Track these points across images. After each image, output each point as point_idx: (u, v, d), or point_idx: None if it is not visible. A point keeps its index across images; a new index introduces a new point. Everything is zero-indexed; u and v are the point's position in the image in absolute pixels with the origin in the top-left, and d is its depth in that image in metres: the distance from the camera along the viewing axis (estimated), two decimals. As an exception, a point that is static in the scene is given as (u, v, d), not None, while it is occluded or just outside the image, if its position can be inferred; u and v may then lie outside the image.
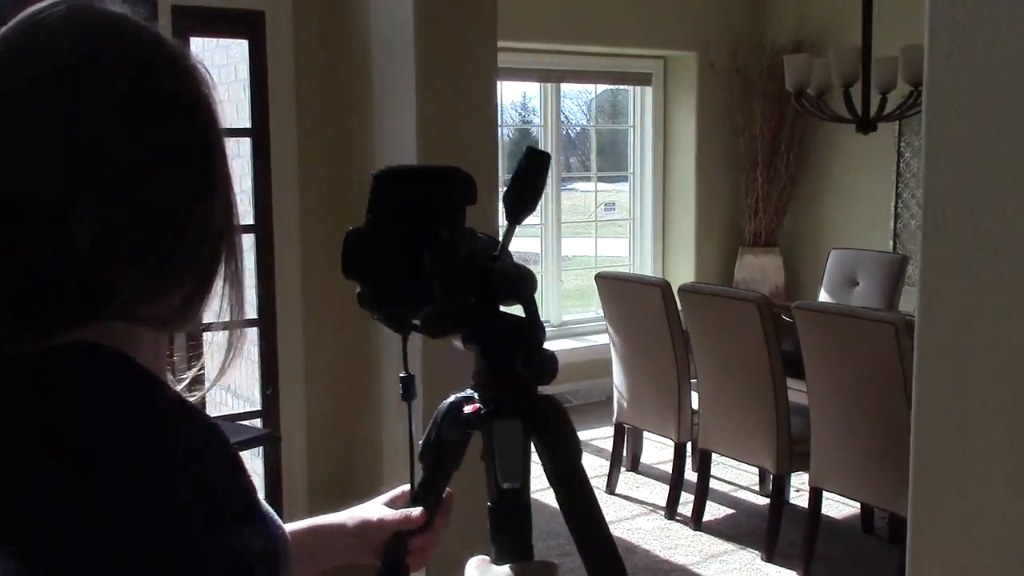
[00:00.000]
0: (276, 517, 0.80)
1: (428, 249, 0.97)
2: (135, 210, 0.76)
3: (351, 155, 3.80)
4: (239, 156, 4.56)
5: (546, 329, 1.02)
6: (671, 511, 4.49)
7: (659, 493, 4.65)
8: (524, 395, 0.99)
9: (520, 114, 8.86)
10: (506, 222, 1.04)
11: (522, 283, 1.01)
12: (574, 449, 1.05)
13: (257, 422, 3.72)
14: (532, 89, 6.67)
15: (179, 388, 0.92)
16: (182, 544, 0.67)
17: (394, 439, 3.66)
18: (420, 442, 1.04)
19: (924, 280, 1.95)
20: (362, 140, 3.72)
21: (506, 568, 0.95)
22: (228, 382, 4.69)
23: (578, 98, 12.37)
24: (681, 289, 4.27)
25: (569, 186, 9.18)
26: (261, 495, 0.76)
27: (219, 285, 0.85)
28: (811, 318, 3.70)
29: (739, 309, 3.95)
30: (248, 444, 2.89)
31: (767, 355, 3.90)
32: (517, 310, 1.02)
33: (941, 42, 1.86)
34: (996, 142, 1.79)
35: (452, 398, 1.04)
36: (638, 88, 6.78)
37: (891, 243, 6.13)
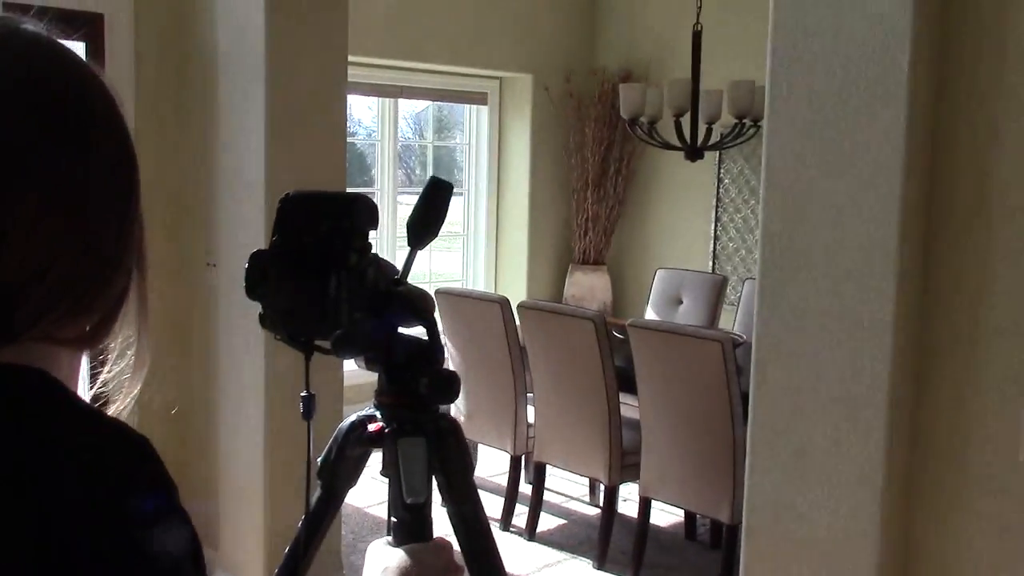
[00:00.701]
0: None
1: (336, 273, 1.00)
2: (71, 230, 0.77)
3: (193, 164, 3.73)
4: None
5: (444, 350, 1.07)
6: (506, 523, 4.58)
7: (495, 505, 4.74)
8: (427, 414, 1.04)
9: (356, 128, 8.83)
10: (408, 247, 1.09)
11: (424, 306, 1.06)
12: (468, 466, 1.10)
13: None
14: (370, 104, 6.67)
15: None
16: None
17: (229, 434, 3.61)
18: (319, 460, 1.07)
19: (761, 295, 2.11)
20: (208, 148, 3.66)
21: (400, 550, 0.99)
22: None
23: (404, 109, 12.50)
24: (520, 306, 4.38)
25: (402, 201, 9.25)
26: None
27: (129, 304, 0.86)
28: (643, 335, 3.88)
29: (576, 326, 4.09)
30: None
31: (602, 371, 4.05)
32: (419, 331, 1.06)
33: (779, 82, 2.03)
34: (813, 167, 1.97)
35: (353, 417, 1.07)
36: (473, 107, 6.89)
37: (711, 263, 6.47)
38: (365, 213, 1.06)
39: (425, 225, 1.07)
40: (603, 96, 6.50)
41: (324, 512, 1.09)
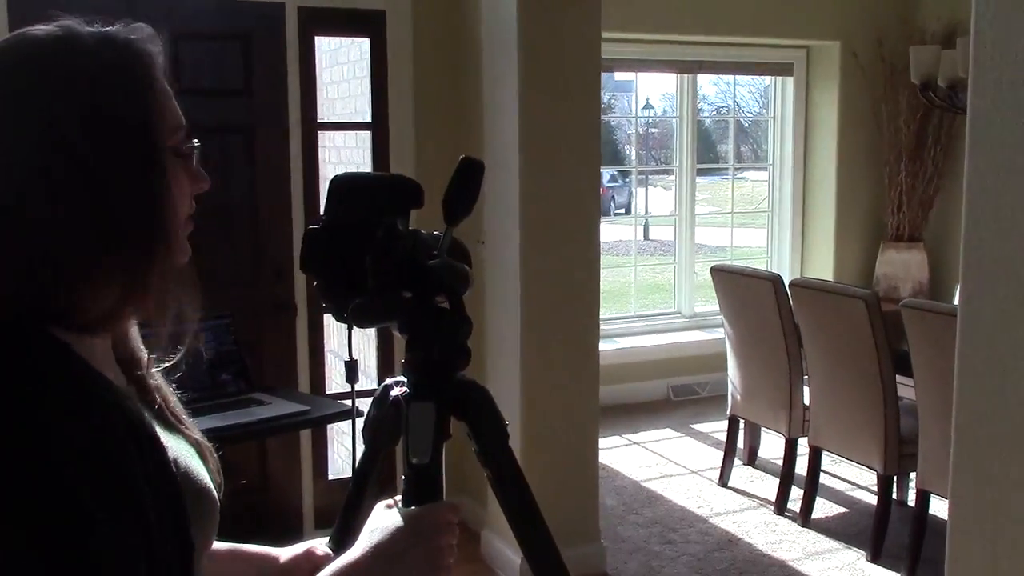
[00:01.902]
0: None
1: (365, 249, 1.10)
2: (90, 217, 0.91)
3: (463, 147, 3.96)
4: (359, 148, 4.80)
5: (472, 322, 1.12)
6: (780, 506, 4.46)
7: (772, 488, 4.63)
8: (442, 380, 1.11)
9: (669, 105, 8.87)
10: (445, 224, 1.16)
11: (452, 279, 1.13)
12: (499, 430, 1.15)
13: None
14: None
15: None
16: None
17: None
18: (363, 421, 1.18)
19: (966, 275, 1.94)
20: (474, 134, 3.88)
21: (396, 511, 1.06)
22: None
23: (751, 85, 12.27)
24: (792, 284, 4.24)
25: (740, 175, 9.14)
26: None
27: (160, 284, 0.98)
28: (918, 317, 3.61)
29: (848, 306, 3.89)
30: (330, 419, 3.11)
31: (876, 353, 3.83)
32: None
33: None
34: None
35: (387, 381, 1.16)
36: (779, 78, 6.67)
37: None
38: (398, 194, 1.14)
39: (458, 203, 1.13)
40: (920, 60, 6.03)
41: (369, 468, 1.19)
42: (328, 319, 4.34)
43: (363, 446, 1.19)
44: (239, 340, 3.07)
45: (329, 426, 4.18)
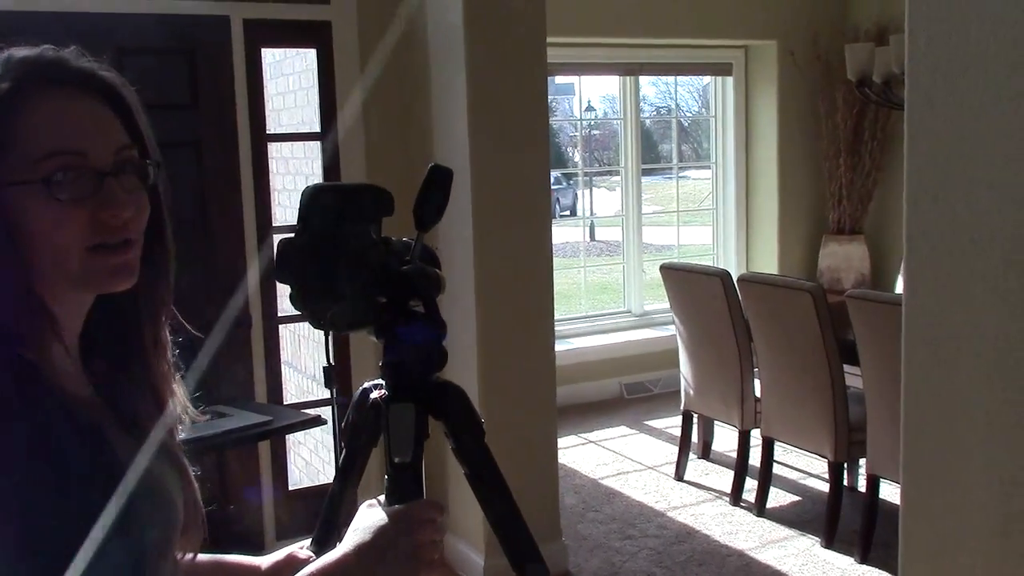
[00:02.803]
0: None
1: (339, 257, 1.13)
2: None
3: (413, 154, 4.00)
4: (308, 158, 4.81)
5: (447, 325, 1.16)
6: (735, 498, 4.55)
7: (727, 480, 4.72)
8: (419, 382, 1.14)
9: (611, 107, 8.97)
10: (416, 230, 1.19)
11: (424, 284, 1.16)
12: (475, 428, 1.19)
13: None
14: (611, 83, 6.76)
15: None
16: None
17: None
18: (342, 424, 1.21)
19: (909, 265, 2.02)
20: (424, 139, 3.91)
21: (380, 509, 1.09)
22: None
23: (689, 84, 12.43)
24: (740, 279, 4.33)
25: (683, 174, 9.23)
26: None
27: None
28: (863, 307, 3.72)
29: (795, 298, 3.99)
30: (293, 428, 3.12)
31: (823, 344, 3.93)
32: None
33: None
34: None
35: (365, 384, 1.20)
36: (719, 78, 6.80)
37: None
38: (369, 202, 1.17)
39: (428, 210, 1.17)
40: (854, 57, 6.18)
41: (351, 468, 1.22)
42: (283, 330, 4.34)
43: (343, 449, 1.22)
44: (197, 355, 3.06)
45: (288, 437, 4.18)
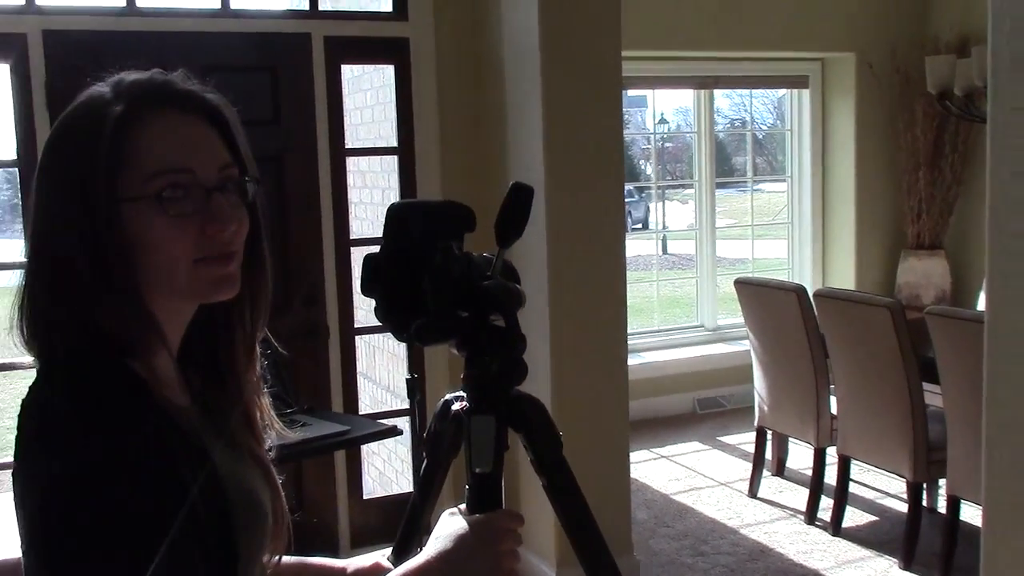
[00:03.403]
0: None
1: (423, 272, 1.16)
2: None
3: (488, 169, 4.04)
4: (384, 172, 4.88)
5: (526, 339, 1.18)
6: (810, 516, 4.49)
7: (802, 498, 4.66)
8: (500, 395, 1.17)
9: (684, 120, 8.93)
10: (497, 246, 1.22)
11: (506, 299, 1.19)
12: (553, 441, 1.21)
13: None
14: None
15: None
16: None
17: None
18: (425, 434, 1.24)
19: (992, 281, 1.98)
20: (498, 154, 3.95)
21: (461, 518, 1.12)
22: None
23: (764, 97, 12.32)
24: (816, 294, 4.28)
25: (756, 187, 9.16)
26: None
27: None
28: (943, 324, 3.65)
29: (873, 315, 3.93)
30: (371, 438, 3.16)
31: (902, 361, 3.87)
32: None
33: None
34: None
35: (447, 396, 1.23)
36: (795, 91, 6.73)
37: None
38: (452, 218, 1.20)
39: (510, 226, 1.19)
40: (935, 69, 6.07)
41: (431, 479, 1.25)
42: (360, 341, 4.41)
43: (425, 459, 1.25)
44: (278, 363, 3.13)
45: (362, 446, 4.25)
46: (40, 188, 1.03)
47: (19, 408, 1.00)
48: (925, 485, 4.20)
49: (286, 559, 1.25)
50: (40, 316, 1.03)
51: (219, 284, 1.07)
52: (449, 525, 1.12)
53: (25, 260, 1.06)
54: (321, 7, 4.06)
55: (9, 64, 3.52)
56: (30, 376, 1.05)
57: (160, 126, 1.03)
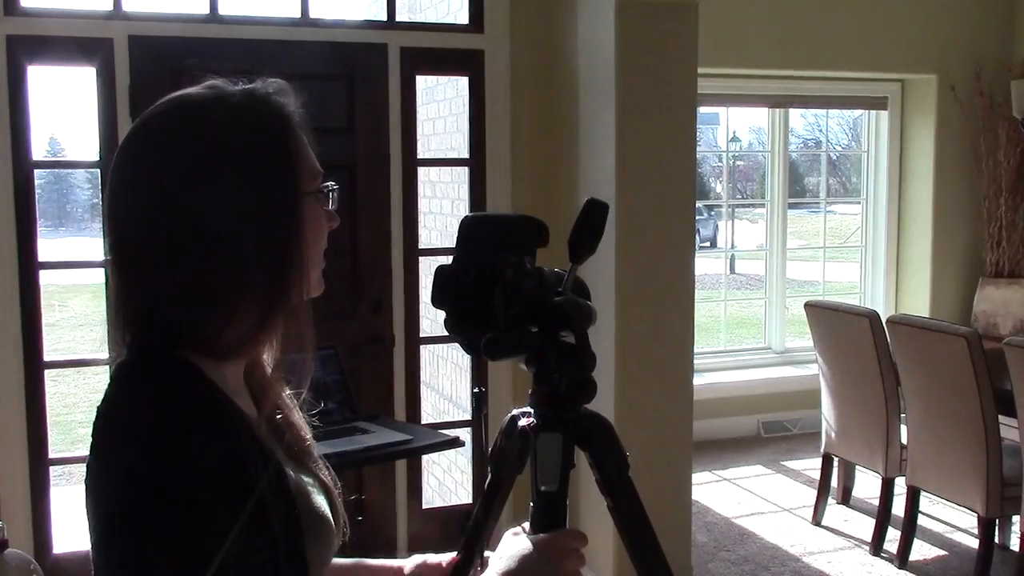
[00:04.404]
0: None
1: (495, 286, 1.15)
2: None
3: (559, 182, 4.03)
4: (454, 183, 4.90)
5: (596, 357, 1.16)
6: (876, 547, 4.38)
7: (868, 528, 4.55)
8: (568, 412, 1.15)
9: (756, 138, 8.84)
10: (570, 263, 1.20)
11: (576, 316, 1.17)
12: (620, 461, 1.19)
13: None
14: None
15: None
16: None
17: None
18: (490, 450, 1.23)
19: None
20: (569, 168, 3.94)
21: (524, 537, 1.10)
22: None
23: (839, 117, 12.16)
24: (889, 321, 4.18)
25: (829, 209, 9.05)
26: None
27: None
28: (1021, 355, 3.54)
29: (948, 343, 3.83)
30: (433, 448, 3.16)
31: (977, 392, 3.76)
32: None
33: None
34: None
35: (513, 411, 1.21)
36: (873, 112, 6.61)
37: None
38: (525, 233, 1.19)
39: (583, 242, 1.18)
40: (1020, 93, 5.91)
41: (495, 494, 1.24)
42: (425, 351, 4.43)
43: (489, 474, 1.24)
44: (344, 370, 3.16)
45: (423, 456, 4.25)
46: (184, 190, 1.01)
47: (97, 404, 1.01)
48: (998, 521, 4.07)
49: (340, 560, 1.25)
50: (146, 314, 1.02)
51: (322, 282, 1.13)
52: (513, 545, 1.11)
53: (138, 259, 1.03)
54: (398, 18, 4.10)
55: (95, 68, 3.61)
56: (102, 372, 1.06)
57: (297, 133, 1.10)
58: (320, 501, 1.13)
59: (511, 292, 1.15)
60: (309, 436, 1.21)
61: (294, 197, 1.05)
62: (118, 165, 1.05)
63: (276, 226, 1.03)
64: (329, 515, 1.14)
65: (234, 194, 1.02)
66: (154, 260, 1.01)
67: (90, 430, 1.00)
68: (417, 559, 1.32)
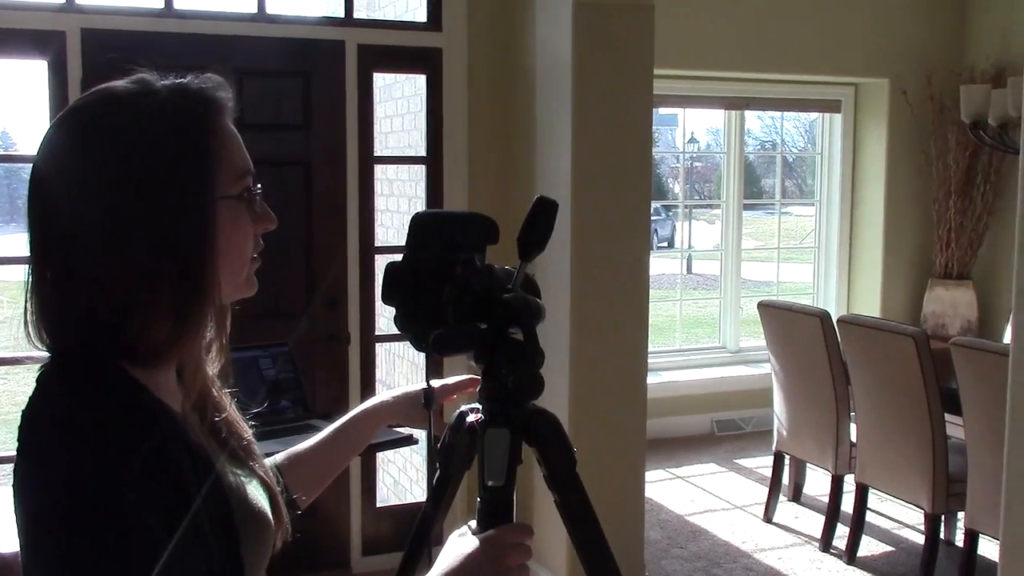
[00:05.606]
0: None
1: (444, 282, 1.16)
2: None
3: (516, 181, 4.04)
4: (412, 180, 4.90)
5: (544, 354, 1.18)
6: (825, 543, 4.45)
7: (817, 525, 4.62)
8: (515, 408, 1.16)
9: (713, 140, 8.91)
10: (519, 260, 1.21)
11: (525, 312, 1.18)
12: (567, 457, 1.20)
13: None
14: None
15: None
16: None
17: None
18: (438, 445, 1.24)
19: (1019, 314, 1.96)
20: (526, 167, 3.96)
21: (470, 537, 1.11)
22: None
23: (795, 120, 12.29)
24: (840, 320, 4.25)
25: (784, 210, 9.13)
26: None
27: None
28: (967, 355, 3.62)
29: (896, 343, 3.90)
30: (386, 446, 3.15)
31: (924, 391, 3.83)
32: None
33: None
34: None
35: (462, 408, 1.22)
36: (827, 115, 6.70)
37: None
38: (476, 230, 1.20)
39: (532, 240, 1.19)
40: (969, 98, 6.02)
41: (443, 490, 1.25)
42: (380, 349, 4.42)
43: (438, 469, 1.25)
44: (298, 368, 3.15)
45: (377, 454, 4.25)
46: (97, 186, 0.99)
47: (24, 405, 0.99)
48: (943, 517, 4.15)
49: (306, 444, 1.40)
50: (65, 315, 1.01)
51: (253, 282, 1.11)
52: (458, 545, 1.11)
53: (53, 254, 1.02)
54: (356, 15, 4.09)
55: (47, 61, 3.56)
56: (32, 372, 1.04)
57: (227, 130, 1.06)
58: (258, 499, 1.12)
59: (460, 288, 1.16)
60: (248, 434, 1.20)
61: (204, 199, 1.01)
62: (38, 157, 1.03)
63: (183, 228, 1.00)
64: (268, 513, 1.13)
65: (145, 192, 0.99)
66: (66, 258, 1.00)
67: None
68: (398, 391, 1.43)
